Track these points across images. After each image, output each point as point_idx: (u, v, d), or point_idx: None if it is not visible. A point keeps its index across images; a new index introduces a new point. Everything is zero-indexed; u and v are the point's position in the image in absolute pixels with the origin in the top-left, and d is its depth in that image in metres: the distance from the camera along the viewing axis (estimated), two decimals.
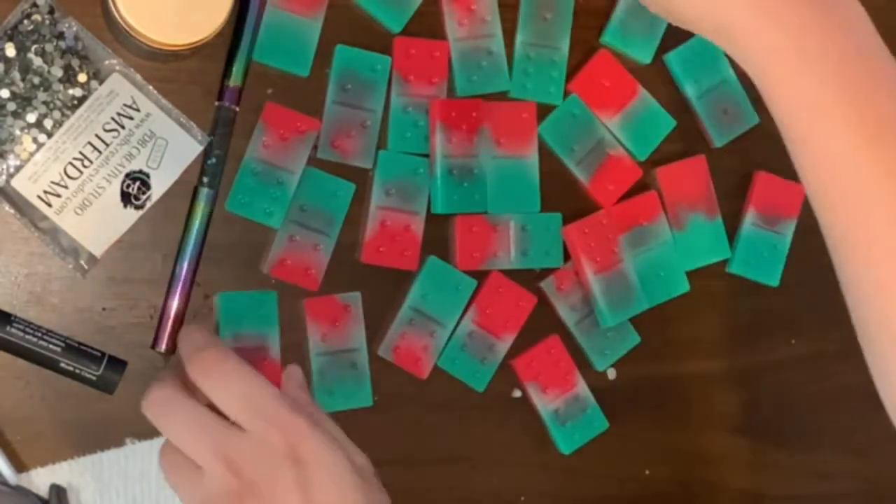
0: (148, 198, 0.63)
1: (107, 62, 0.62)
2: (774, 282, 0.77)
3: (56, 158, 0.62)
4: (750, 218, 0.76)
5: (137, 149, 0.63)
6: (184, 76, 0.65)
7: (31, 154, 0.62)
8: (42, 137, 0.62)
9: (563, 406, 0.72)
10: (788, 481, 0.77)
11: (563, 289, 0.72)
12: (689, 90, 0.74)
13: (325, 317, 0.67)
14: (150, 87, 0.63)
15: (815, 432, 0.78)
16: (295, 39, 0.66)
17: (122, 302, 0.64)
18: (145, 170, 0.63)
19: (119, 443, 0.64)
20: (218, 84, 0.65)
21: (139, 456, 0.64)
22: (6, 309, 0.62)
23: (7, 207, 0.62)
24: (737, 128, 0.76)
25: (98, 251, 0.63)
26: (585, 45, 0.72)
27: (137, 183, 0.63)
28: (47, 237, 0.62)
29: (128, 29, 0.58)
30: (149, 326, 0.64)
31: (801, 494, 0.77)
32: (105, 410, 0.64)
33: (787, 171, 0.77)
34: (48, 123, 0.62)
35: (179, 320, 0.64)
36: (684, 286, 0.74)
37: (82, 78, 0.62)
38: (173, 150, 0.63)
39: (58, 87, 0.62)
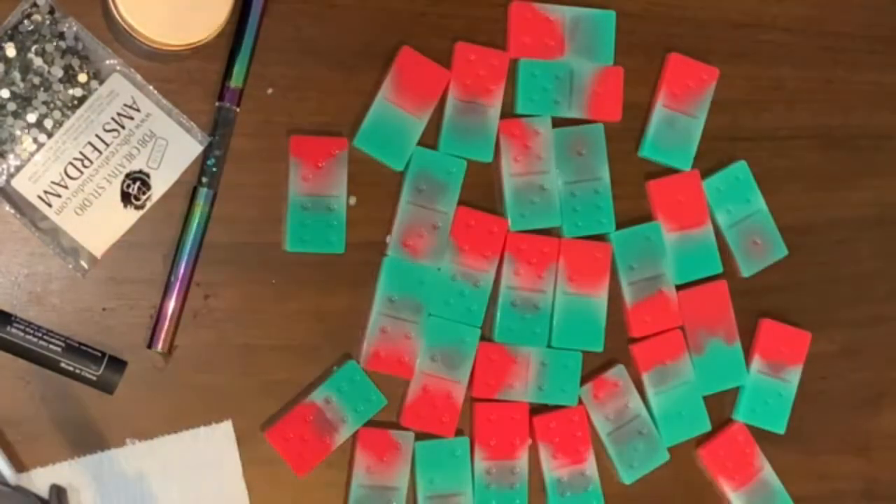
0: (148, 198, 0.63)
1: (107, 62, 0.62)
2: (781, 429, 0.76)
3: (56, 158, 0.62)
4: (755, 366, 0.76)
5: (137, 149, 0.63)
6: (184, 76, 0.65)
7: (32, 154, 0.62)
8: (42, 137, 0.62)
9: (568, 477, 0.72)
10: (788, 481, 0.77)
11: (599, 397, 0.72)
12: (721, 218, 0.75)
13: (375, 449, 0.68)
14: (151, 88, 0.63)
15: (815, 432, 0.78)
16: (396, 133, 0.68)
17: (122, 302, 0.64)
18: (145, 170, 0.63)
19: (119, 443, 0.64)
20: (218, 84, 0.65)
21: (139, 456, 0.64)
22: (6, 309, 0.62)
23: (7, 207, 0.62)
24: (766, 259, 0.76)
25: (98, 251, 0.63)
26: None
27: (137, 183, 0.63)
28: (47, 237, 0.62)
29: (128, 29, 0.58)
30: (149, 326, 0.64)
31: (801, 494, 0.77)
32: (105, 410, 0.64)
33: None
34: (48, 123, 0.62)
35: (177, 320, 0.64)
36: (706, 425, 0.75)
37: (82, 78, 0.62)
38: (173, 150, 0.63)
39: (58, 87, 0.62)
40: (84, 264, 0.63)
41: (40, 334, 0.62)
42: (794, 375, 0.77)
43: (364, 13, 0.68)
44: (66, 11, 0.62)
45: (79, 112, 0.62)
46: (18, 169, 0.62)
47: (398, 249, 0.68)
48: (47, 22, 0.61)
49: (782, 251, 0.77)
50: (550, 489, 0.71)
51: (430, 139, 0.69)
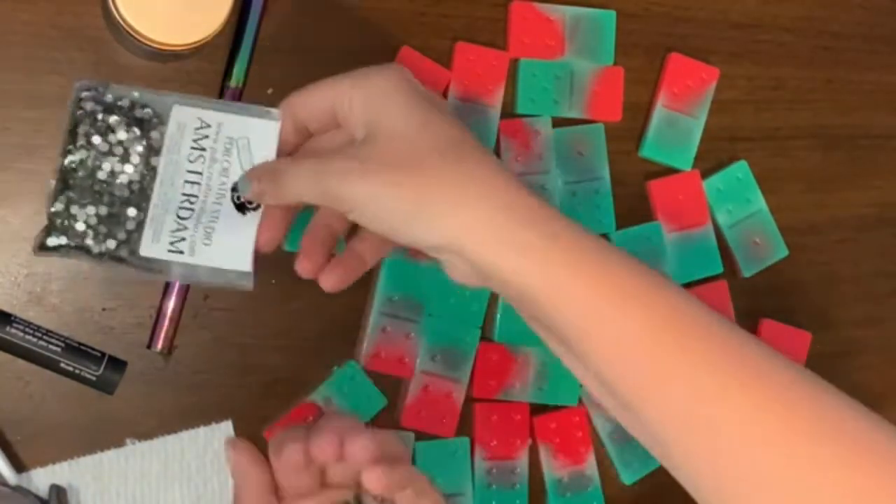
0: None
1: (165, 100, 0.60)
2: None
3: (165, 211, 0.60)
4: None
5: (226, 160, 0.61)
6: (184, 76, 0.65)
7: (141, 220, 0.60)
8: (142, 203, 0.60)
9: (568, 478, 0.72)
10: None
11: None
12: (721, 218, 0.75)
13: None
14: (209, 98, 0.61)
15: None
16: None
17: (122, 302, 0.64)
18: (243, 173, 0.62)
19: (119, 443, 0.64)
20: (218, 84, 0.65)
21: (139, 456, 0.64)
22: (6, 309, 0.62)
23: (147, 275, 0.60)
24: (766, 259, 0.76)
25: (246, 265, 0.61)
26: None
27: None
28: (194, 277, 0.61)
29: (128, 29, 0.58)
30: (148, 326, 0.64)
31: None
32: (105, 410, 0.64)
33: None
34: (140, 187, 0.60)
35: (177, 320, 0.64)
36: None
37: (155, 134, 0.60)
38: (256, 140, 0.61)
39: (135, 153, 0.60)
40: (246, 283, 0.61)
41: (40, 334, 0.62)
42: None
43: (364, 13, 0.68)
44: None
45: (161, 161, 0.60)
46: (136, 239, 0.60)
47: (398, 249, 0.68)
48: (97, 105, 0.59)
49: (782, 251, 0.77)
50: (551, 489, 0.71)
51: None
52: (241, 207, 0.61)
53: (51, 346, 0.62)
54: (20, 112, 0.62)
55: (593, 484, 0.72)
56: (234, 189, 0.61)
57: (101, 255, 0.59)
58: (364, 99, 0.57)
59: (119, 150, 0.59)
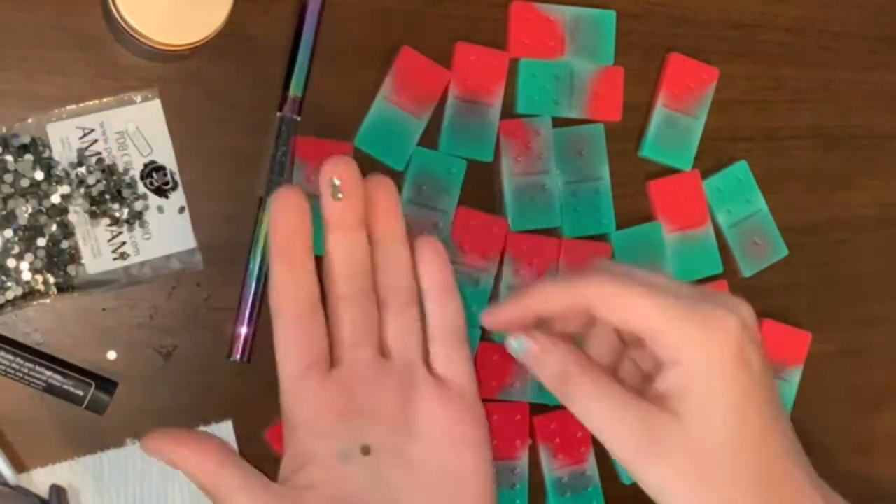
0: (171, 174, 0.63)
1: (31, 125, 0.62)
2: None
3: (95, 224, 0.62)
4: None
5: (125, 154, 0.63)
6: (184, 76, 0.65)
7: (72, 244, 0.62)
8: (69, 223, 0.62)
9: (568, 478, 0.72)
10: None
11: None
12: (721, 218, 0.75)
13: None
14: (77, 105, 0.62)
15: (816, 432, 0.78)
16: (397, 133, 0.68)
17: (122, 302, 0.64)
18: (146, 161, 0.63)
19: (119, 443, 0.64)
20: (218, 85, 0.65)
21: (139, 456, 0.64)
22: (5, 307, 0.62)
23: (101, 291, 0.62)
24: (766, 259, 0.76)
25: (190, 242, 0.64)
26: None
27: (154, 175, 0.63)
28: (149, 273, 0.63)
29: (128, 29, 0.58)
30: (149, 326, 0.64)
31: None
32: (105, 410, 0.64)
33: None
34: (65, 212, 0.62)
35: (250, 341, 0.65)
36: None
37: (38, 167, 0.61)
38: (145, 124, 0.63)
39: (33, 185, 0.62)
40: (196, 260, 0.64)
41: (21, 374, 0.61)
42: (794, 375, 0.77)
43: (364, 13, 0.68)
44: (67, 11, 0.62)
45: (63, 183, 0.62)
46: (78, 262, 0.62)
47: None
48: None
49: (782, 251, 0.77)
50: (551, 489, 0.71)
51: (430, 139, 0.69)
52: (160, 191, 0.63)
53: (32, 385, 0.61)
54: (21, 113, 0.62)
55: (593, 484, 0.72)
56: (148, 175, 0.62)
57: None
58: (691, 365, 0.49)
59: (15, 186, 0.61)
